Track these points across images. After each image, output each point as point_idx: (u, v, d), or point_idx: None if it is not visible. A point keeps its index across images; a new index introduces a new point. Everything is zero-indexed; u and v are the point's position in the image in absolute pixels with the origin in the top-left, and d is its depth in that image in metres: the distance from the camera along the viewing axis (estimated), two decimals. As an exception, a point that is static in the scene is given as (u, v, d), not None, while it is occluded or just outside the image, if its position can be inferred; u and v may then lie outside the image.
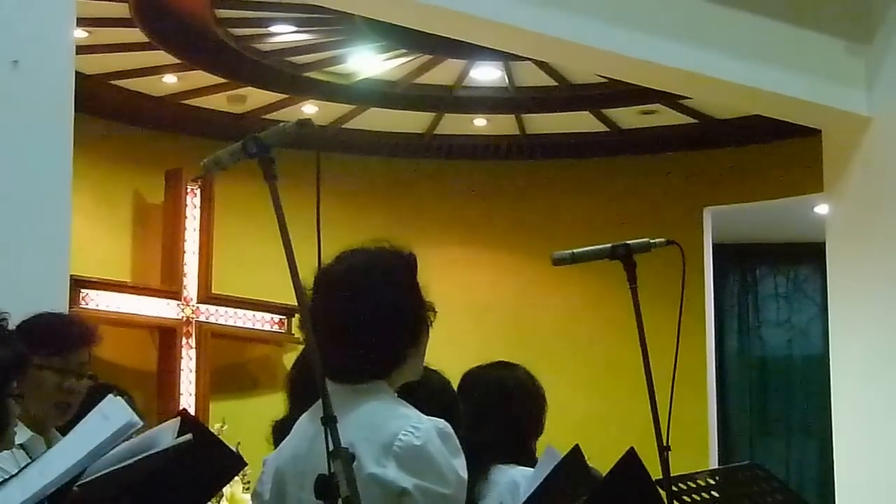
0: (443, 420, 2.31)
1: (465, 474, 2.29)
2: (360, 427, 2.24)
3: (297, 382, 2.91)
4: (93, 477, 2.26)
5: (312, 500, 2.11)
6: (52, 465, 2.23)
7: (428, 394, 2.70)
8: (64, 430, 2.94)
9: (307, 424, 2.38)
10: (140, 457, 2.29)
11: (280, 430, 2.81)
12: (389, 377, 2.35)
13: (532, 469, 3.32)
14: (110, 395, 2.36)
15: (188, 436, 2.33)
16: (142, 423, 2.30)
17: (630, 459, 3.01)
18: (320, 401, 2.11)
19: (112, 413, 2.26)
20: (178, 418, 2.41)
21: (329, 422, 2.05)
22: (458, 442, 2.30)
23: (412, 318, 2.36)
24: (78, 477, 2.23)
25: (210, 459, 2.56)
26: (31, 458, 2.73)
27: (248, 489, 6.46)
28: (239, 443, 5.76)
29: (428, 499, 2.23)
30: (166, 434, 2.37)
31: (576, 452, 3.11)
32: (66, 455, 2.24)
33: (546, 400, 3.47)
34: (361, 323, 2.31)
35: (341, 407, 2.11)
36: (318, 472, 2.07)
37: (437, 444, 2.26)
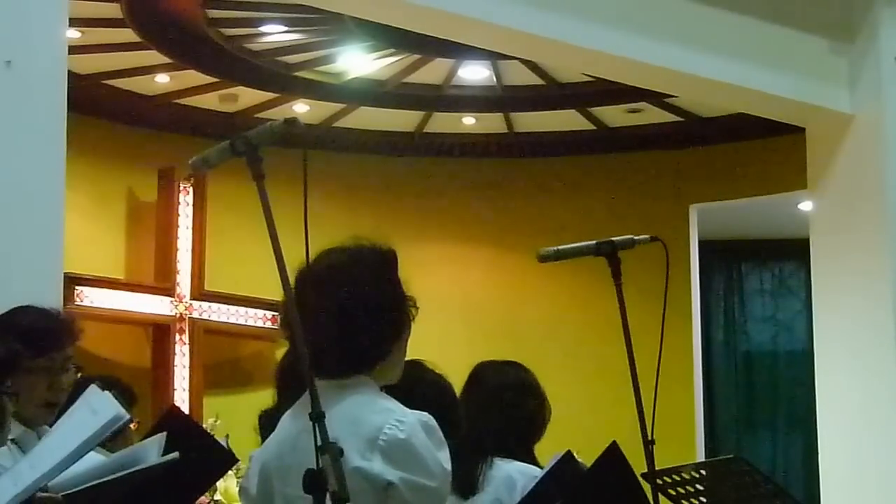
0: (426, 413, 2.32)
1: (449, 466, 2.30)
2: (345, 421, 2.25)
3: (287, 376, 2.96)
4: (78, 489, 2.29)
5: (297, 495, 2.12)
6: (42, 458, 2.25)
7: (425, 394, 2.73)
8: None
9: (291, 420, 2.40)
10: (125, 472, 2.31)
11: (267, 421, 2.84)
12: (373, 372, 2.37)
13: (529, 465, 3.39)
14: (93, 387, 2.38)
15: (175, 454, 2.34)
16: (129, 417, 2.32)
17: (612, 452, 3.07)
18: (304, 397, 2.12)
19: (100, 407, 2.27)
20: (164, 434, 2.41)
21: (318, 418, 2.06)
22: (442, 435, 2.32)
23: (394, 312, 2.38)
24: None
25: (201, 456, 2.58)
26: (24, 452, 2.74)
27: (241, 484, 6.49)
28: (227, 435, 5.81)
29: (413, 492, 2.24)
30: (152, 449, 2.38)
31: (567, 458, 3.16)
32: (56, 449, 2.25)
33: (550, 409, 3.54)
34: (344, 319, 2.32)
35: (326, 402, 2.12)
36: (303, 467, 2.07)
37: (421, 437, 2.27)
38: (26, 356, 2.84)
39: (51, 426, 2.94)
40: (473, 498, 3.32)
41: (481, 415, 3.37)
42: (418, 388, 2.68)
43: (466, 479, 3.25)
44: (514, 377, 3.53)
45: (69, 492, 2.27)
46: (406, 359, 2.97)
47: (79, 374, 3.09)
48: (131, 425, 3.57)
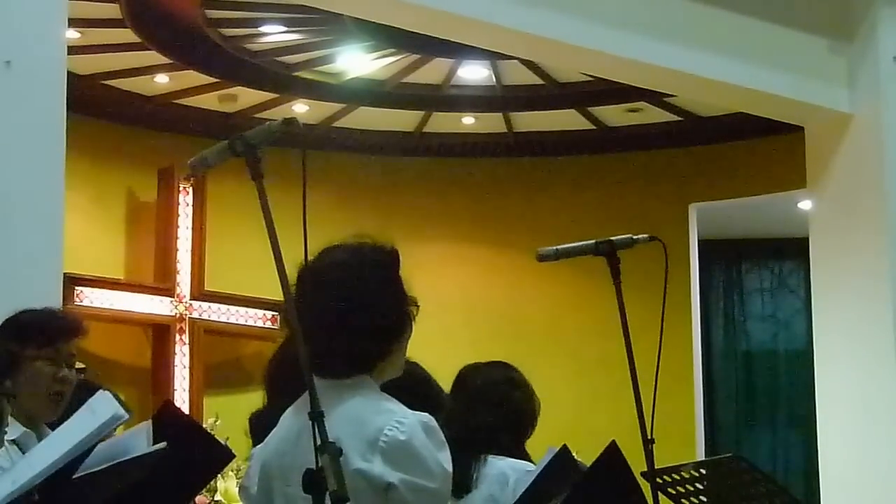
0: (427, 414, 2.32)
1: (450, 467, 2.29)
2: (346, 422, 2.24)
3: (277, 376, 2.91)
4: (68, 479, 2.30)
5: (298, 495, 2.11)
6: (40, 457, 2.26)
7: (412, 388, 2.72)
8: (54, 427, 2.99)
9: (292, 419, 2.38)
10: (112, 463, 2.31)
11: (257, 423, 2.83)
12: (373, 372, 2.35)
13: (521, 462, 3.40)
14: (101, 391, 2.39)
15: (162, 444, 2.33)
16: (128, 417, 2.33)
17: (612, 452, 3.06)
18: (305, 396, 2.12)
19: (99, 407, 2.27)
20: (149, 421, 2.40)
21: (316, 417, 2.05)
22: (442, 435, 2.31)
23: (395, 312, 2.36)
24: (72, 469, 2.27)
25: (197, 452, 2.57)
26: (23, 453, 2.75)
27: (241, 484, 6.48)
28: (227, 438, 5.79)
29: (414, 493, 2.23)
30: (139, 438, 2.37)
31: (564, 452, 3.17)
32: (53, 448, 2.26)
33: (540, 405, 3.55)
34: (345, 318, 2.30)
35: (326, 402, 2.11)
36: (303, 466, 2.07)
37: (422, 438, 2.26)
38: (30, 346, 2.90)
39: (53, 428, 2.96)
40: (467, 496, 3.33)
41: (471, 414, 3.39)
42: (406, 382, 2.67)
43: (460, 479, 3.25)
44: (499, 375, 3.55)
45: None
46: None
47: (81, 375, 3.12)
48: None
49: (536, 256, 3.20)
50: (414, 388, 2.62)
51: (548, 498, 3.13)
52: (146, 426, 2.40)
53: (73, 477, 2.27)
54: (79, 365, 3.11)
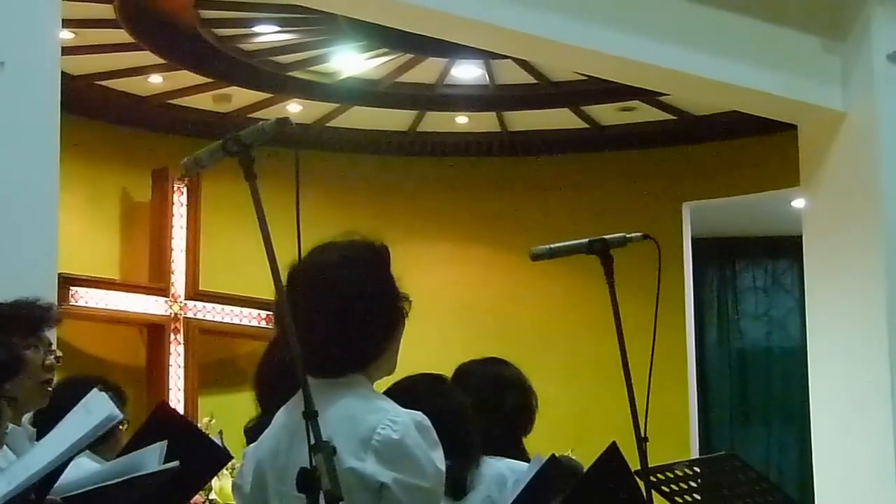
0: (420, 412, 2.30)
1: (443, 467, 2.28)
2: (339, 421, 2.23)
3: (267, 381, 2.88)
4: (76, 493, 2.30)
5: (292, 494, 2.10)
6: (36, 459, 2.28)
7: (446, 418, 2.68)
8: (41, 425, 3.00)
9: (286, 418, 2.37)
10: (124, 478, 2.32)
11: (253, 433, 2.82)
12: (367, 370, 2.34)
13: (519, 462, 3.40)
14: (95, 390, 2.39)
15: (175, 463, 2.35)
16: (122, 417, 2.33)
17: (612, 454, 3.06)
18: (298, 395, 2.11)
19: (95, 407, 2.29)
20: (164, 442, 2.42)
21: (310, 416, 2.04)
22: (436, 434, 2.29)
23: (387, 309, 2.34)
24: (65, 466, 2.28)
25: (195, 453, 2.58)
26: (12, 449, 2.76)
27: (236, 483, 6.48)
28: (221, 431, 5.80)
29: (407, 492, 2.22)
30: (152, 456, 2.39)
31: (552, 462, 3.17)
32: (49, 449, 2.28)
33: (537, 398, 3.53)
34: (336, 317, 2.29)
35: (319, 401, 2.10)
36: (297, 465, 2.07)
37: (415, 437, 2.24)
38: (16, 336, 2.93)
39: (40, 431, 2.96)
40: (465, 498, 3.33)
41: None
42: (444, 411, 2.65)
43: (457, 481, 3.25)
44: (492, 374, 3.50)
45: (68, 495, 2.29)
46: (427, 373, 2.98)
47: (58, 361, 3.13)
48: (120, 426, 3.58)
49: (530, 255, 3.20)
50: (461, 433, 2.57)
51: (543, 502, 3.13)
52: (160, 446, 2.41)
53: (85, 490, 2.28)
54: (57, 353, 3.12)
